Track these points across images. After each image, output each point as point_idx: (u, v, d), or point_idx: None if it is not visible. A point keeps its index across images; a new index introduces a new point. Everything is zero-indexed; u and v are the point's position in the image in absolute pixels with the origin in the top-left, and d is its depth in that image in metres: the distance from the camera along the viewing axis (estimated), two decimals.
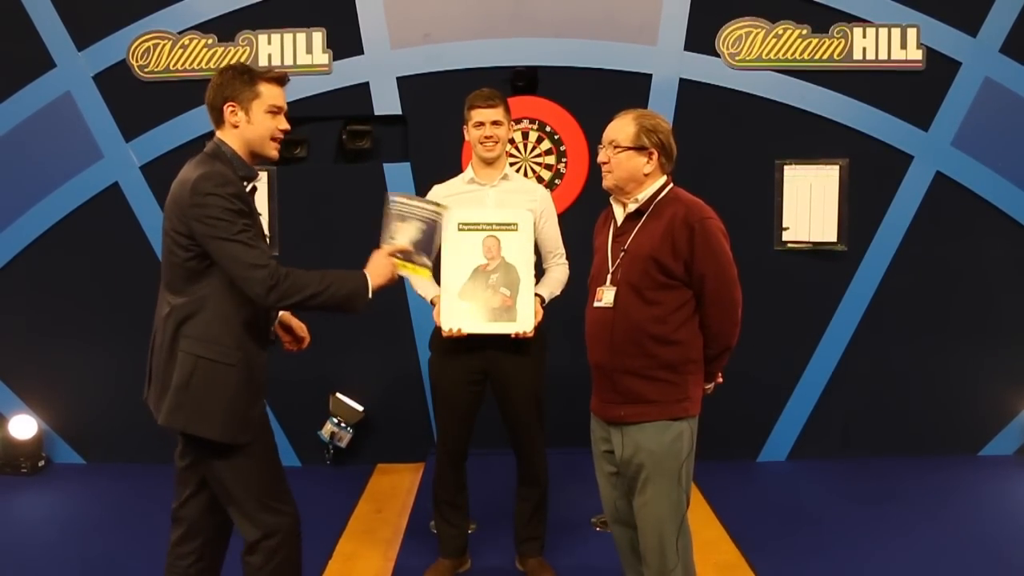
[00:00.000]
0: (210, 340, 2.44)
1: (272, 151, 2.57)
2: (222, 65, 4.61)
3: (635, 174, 2.64)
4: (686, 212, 2.58)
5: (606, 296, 2.65)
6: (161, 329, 2.51)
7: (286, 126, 2.57)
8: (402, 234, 2.67)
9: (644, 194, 2.66)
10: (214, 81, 2.54)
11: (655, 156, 2.64)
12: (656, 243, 2.57)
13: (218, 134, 2.55)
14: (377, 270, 2.56)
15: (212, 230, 2.36)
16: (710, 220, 2.59)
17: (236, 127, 2.51)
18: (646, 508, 2.61)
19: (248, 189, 2.52)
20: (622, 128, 2.65)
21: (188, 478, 2.62)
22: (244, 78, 2.50)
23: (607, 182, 2.69)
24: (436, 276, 3.28)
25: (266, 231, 2.62)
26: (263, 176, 2.64)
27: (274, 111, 2.53)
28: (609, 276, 2.67)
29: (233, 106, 2.50)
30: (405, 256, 2.65)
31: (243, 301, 2.43)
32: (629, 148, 2.63)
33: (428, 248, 2.68)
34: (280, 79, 2.56)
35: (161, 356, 2.51)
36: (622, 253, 2.65)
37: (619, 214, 2.73)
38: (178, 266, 2.46)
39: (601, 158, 2.69)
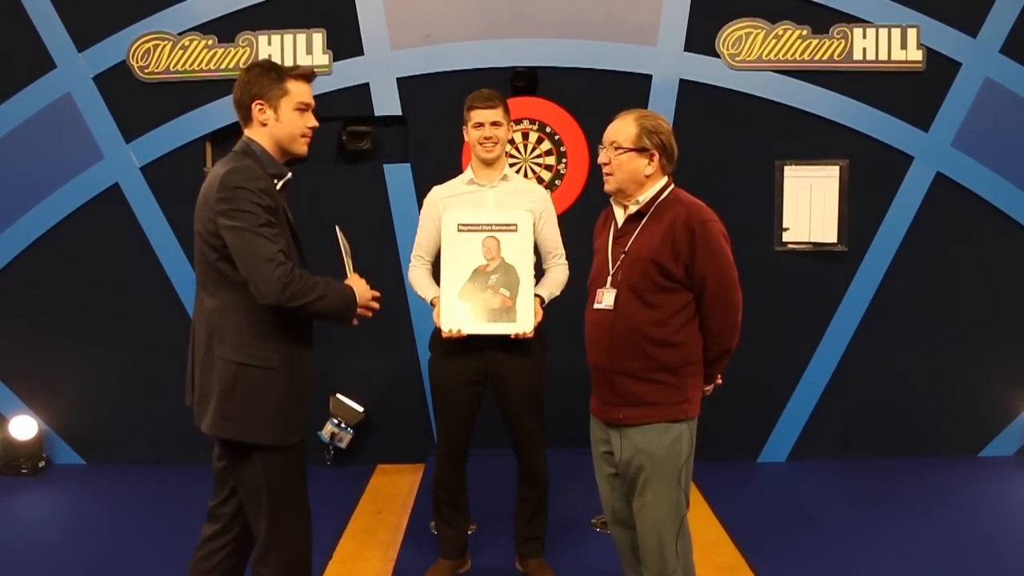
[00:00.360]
0: (246, 345, 2.41)
1: (302, 148, 2.56)
2: (222, 66, 4.69)
3: (636, 176, 2.63)
4: (687, 214, 2.57)
5: (606, 298, 2.64)
6: (197, 333, 2.51)
7: (315, 123, 2.57)
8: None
9: (645, 196, 2.65)
10: (241, 79, 2.51)
11: (656, 158, 2.62)
12: (656, 245, 2.56)
13: (247, 132, 2.53)
14: (360, 290, 2.57)
15: (234, 222, 2.32)
16: (711, 223, 2.57)
17: (265, 125, 2.49)
18: (645, 510, 2.61)
19: (279, 187, 2.49)
20: (623, 129, 2.63)
21: (228, 477, 2.60)
22: (272, 75, 2.48)
23: (609, 186, 2.67)
24: (436, 277, 3.29)
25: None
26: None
27: (302, 108, 2.51)
28: (609, 278, 2.66)
29: (261, 104, 2.48)
30: None
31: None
32: (630, 149, 2.61)
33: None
34: (307, 75, 2.54)
35: (198, 361, 2.49)
36: (622, 255, 2.64)
37: (619, 215, 2.72)
38: (209, 267, 2.43)
39: (602, 159, 2.66)
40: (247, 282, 2.35)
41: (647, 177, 2.63)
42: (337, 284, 2.49)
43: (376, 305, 2.62)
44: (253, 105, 2.48)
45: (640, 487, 2.61)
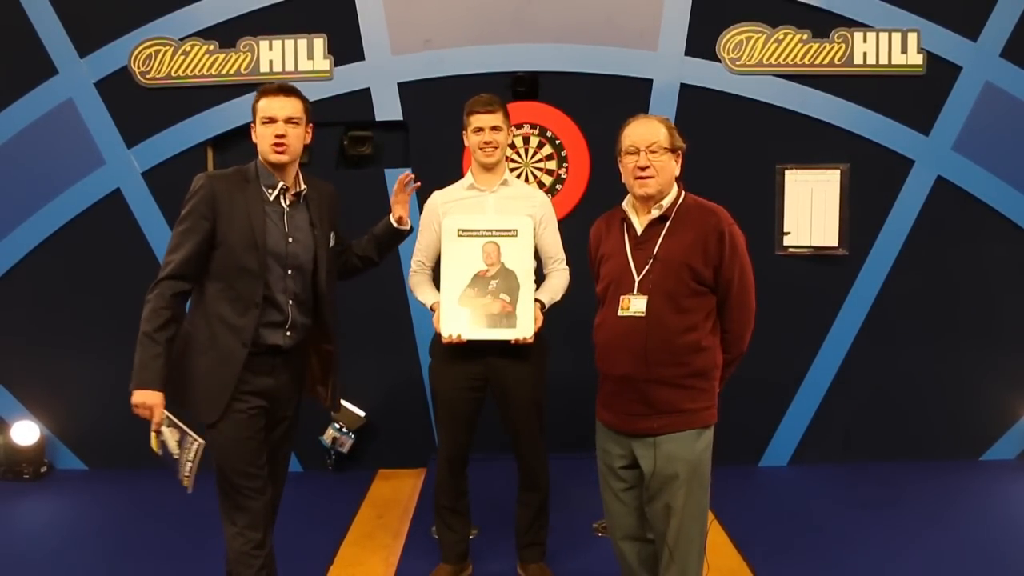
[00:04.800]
0: (191, 317, 2.78)
1: (272, 156, 2.74)
2: (223, 72, 4.71)
3: (671, 177, 2.65)
4: (716, 219, 2.60)
5: (634, 305, 2.60)
6: None
7: (280, 131, 2.71)
8: (169, 437, 2.68)
9: (668, 199, 2.65)
10: None
11: (680, 158, 2.66)
12: (688, 249, 2.57)
13: None
14: (147, 393, 2.69)
15: None
16: (736, 227, 2.63)
17: (256, 144, 2.77)
18: (674, 518, 2.59)
19: (273, 196, 2.75)
20: (656, 130, 2.63)
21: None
22: (255, 99, 2.77)
23: (650, 188, 2.61)
24: (436, 282, 3.29)
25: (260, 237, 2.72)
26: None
27: (266, 121, 2.72)
28: (637, 284, 2.63)
29: (252, 126, 2.78)
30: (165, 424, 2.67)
31: (222, 285, 2.70)
32: (668, 150, 2.62)
33: (169, 460, 2.65)
34: (269, 91, 2.75)
35: None
36: (651, 261, 2.61)
37: (638, 221, 2.69)
38: None
39: (641, 163, 2.60)
40: (207, 270, 2.72)
41: (674, 178, 2.66)
42: (150, 353, 2.69)
43: (139, 412, 2.71)
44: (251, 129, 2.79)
45: (672, 494, 2.59)
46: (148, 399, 2.64)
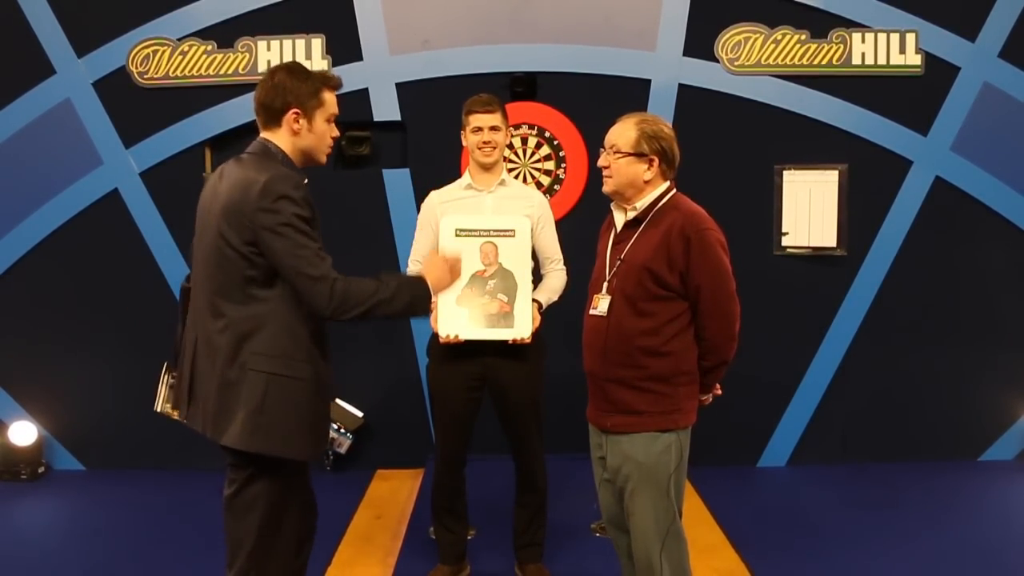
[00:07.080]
0: (279, 355, 2.35)
1: (324, 158, 2.57)
2: (221, 72, 4.69)
3: (634, 180, 2.60)
4: (683, 222, 2.53)
5: (600, 304, 2.62)
6: (211, 344, 2.38)
7: (337, 132, 2.57)
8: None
9: (643, 202, 2.62)
10: (273, 81, 2.42)
11: (655, 163, 2.59)
12: (651, 253, 2.54)
13: (268, 135, 2.47)
14: (437, 274, 2.53)
15: (281, 240, 2.26)
16: (708, 231, 2.53)
17: (296, 134, 2.44)
18: (634, 518, 2.60)
19: None
20: (623, 133, 2.60)
21: None
22: (309, 84, 2.43)
23: (607, 187, 2.66)
24: None
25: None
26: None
27: (331, 119, 2.51)
28: (606, 284, 2.64)
29: (298, 113, 2.42)
30: None
31: (309, 312, 2.37)
32: (629, 154, 2.58)
33: None
34: (340, 86, 2.54)
35: (215, 373, 2.36)
36: (619, 262, 2.62)
37: (619, 221, 2.70)
38: (236, 276, 2.33)
39: (601, 162, 2.65)
40: (279, 293, 2.34)
41: (646, 183, 2.61)
42: (399, 281, 2.47)
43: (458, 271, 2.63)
44: (288, 112, 2.42)
45: (628, 495, 2.60)
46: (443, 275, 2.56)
